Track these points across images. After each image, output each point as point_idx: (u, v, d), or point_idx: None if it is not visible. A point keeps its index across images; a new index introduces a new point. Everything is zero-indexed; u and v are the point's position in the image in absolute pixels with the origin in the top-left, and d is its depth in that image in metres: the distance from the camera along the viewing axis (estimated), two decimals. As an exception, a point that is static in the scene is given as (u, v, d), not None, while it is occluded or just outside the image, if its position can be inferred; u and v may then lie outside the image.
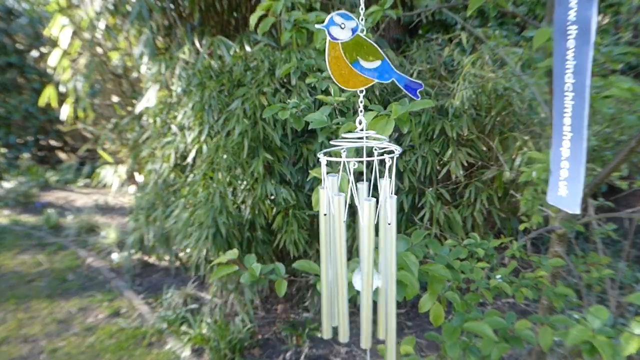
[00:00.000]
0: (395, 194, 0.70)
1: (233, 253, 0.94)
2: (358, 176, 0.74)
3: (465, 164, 2.37)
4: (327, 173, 0.72)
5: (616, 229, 1.78)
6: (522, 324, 0.99)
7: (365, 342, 0.73)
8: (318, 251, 2.49)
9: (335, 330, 0.78)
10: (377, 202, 0.70)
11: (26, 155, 5.93)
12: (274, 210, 2.34)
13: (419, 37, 3.37)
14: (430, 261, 0.99)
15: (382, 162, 0.70)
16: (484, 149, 2.46)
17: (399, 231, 2.51)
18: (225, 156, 2.27)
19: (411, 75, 2.52)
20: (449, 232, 2.41)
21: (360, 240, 0.70)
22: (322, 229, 0.73)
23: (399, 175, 2.41)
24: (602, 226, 1.80)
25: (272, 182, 2.26)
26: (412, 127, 0.87)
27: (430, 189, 2.42)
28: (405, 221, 2.48)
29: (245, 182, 2.31)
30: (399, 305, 2.85)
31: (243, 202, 2.34)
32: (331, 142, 0.74)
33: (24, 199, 5.12)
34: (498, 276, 1.20)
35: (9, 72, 5.55)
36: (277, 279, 0.95)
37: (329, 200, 0.71)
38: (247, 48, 2.65)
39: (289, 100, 1.14)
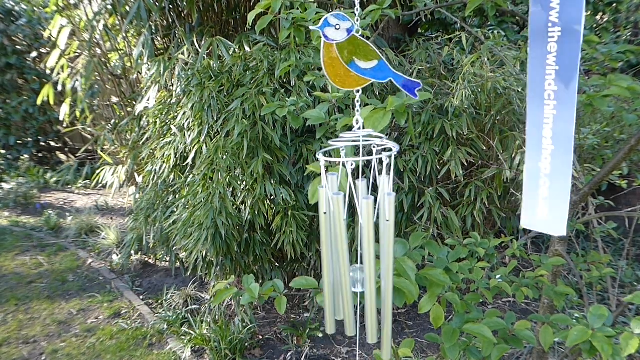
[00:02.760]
0: (395, 192, 0.70)
1: (231, 279, 0.94)
2: (357, 174, 0.74)
3: (465, 163, 2.37)
4: (327, 172, 0.72)
5: (616, 228, 1.77)
6: (521, 324, 0.99)
7: (372, 337, 0.76)
8: (317, 252, 2.49)
9: (338, 325, 0.79)
10: (376, 200, 0.70)
11: (26, 156, 5.93)
12: (273, 210, 2.33)
13: (419, 36, 3.37)
14: (429, 264, 0.98)
15: (380, 160, 0.70)
16: (484, 148, 2.46)
17: (399, 231, 2.50)
18: (224, 157, 2.26)
19: (411, 75, 2.52)
20: (446, 231, 2.41)
21: (361, 238, 0.70)
22: (322, 228, 0.74)
23: (399, 175, 2.41)
24: (602, 225, 1.79)
25: (271, 182, 2.26)
26: (410, 122, 0.86)
27: (430, 188, 2.41)
28: (406, 220, 2.47)
29: (244, 183, 2.31)
30: (398, 306, 2.85)
31: (243, 202, 2.33)
32: (329, 142, 0.74)
33: (24, 200, 5.11)
34: (498, 276, 1.20)
35: (8, 73, 5.54)
36: (277, 296, 0.94)
37: (329, 198, 0.71)
38: (247, 48, 2.64)
39: (287, 100, 1.13)
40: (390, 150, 0.70)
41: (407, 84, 0.72)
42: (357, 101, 0.73)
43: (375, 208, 0.70)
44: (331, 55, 0.68)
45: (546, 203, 0.59)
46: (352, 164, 0.71)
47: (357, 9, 0.72)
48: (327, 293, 0.78)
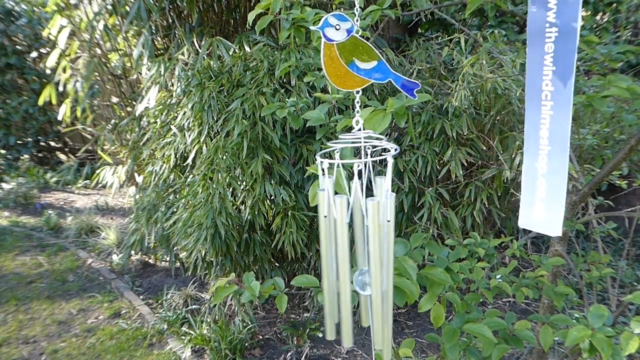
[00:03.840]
0: (395, 193, 0.70)
1: (231, 276, 0.94)
2: (351, 175, 0.74)
3: (465, 164, 2.37)
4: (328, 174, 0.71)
5: (616, 228, 1.77)
6: (522, 324, 0.99)
7: (379, 342, 0.73)
8: (317, 252, 2.49)
9: (337, 332, 0.77)
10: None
11: (26, 156, 5.93)
12: (273, 210, 2.34)
13: (419, 36, 3.37)
14: (429, 264, 0.98)
15: (380, 161, 0.69)
16: (484, 148, 2.46)
17: (399, 231, 2.50)
18: (224, 157, 2.26)
19: (411, 75, 2.52)
20: (446, 231, 2.41)
21: (367, 240, 0.69)
22: (322, 232, 0.72)
23: (399, 175, 2.41)
24: (602, 225, 1.79)
25: (271, 182, 2.26)
26: (410, 123, 0.86)
27: (430, 188, 2.41)
28: (406, 221, 2.48)
29: (244, 183, 2.31)
30: (399, 305, 2.85)
31: (243, 202, 2.34)
32: (328, 144, 0.73)
33: (24, 200, 5.11)
34: (498, 276, 1.20)
35: (8, 73, 5.54)
36: (278, 295, 0.94)
37: (330, 201, 0.70)
38: (247, 48, 2.64)
39: (287, 100, 1.13)
40: (389, 150, 0.70)
41: (406, 84, 0.72)
42: (357, 102, 0.73)
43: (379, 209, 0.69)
44: (331, 55, 0.68)
45: (543, 203, 0.60)
46: (358, 166, 0.71)
47: (357, 9, 0.72)
48: (328, 299, 0.76)
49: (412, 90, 0.72)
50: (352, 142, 0.73)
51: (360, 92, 0.72)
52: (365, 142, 0.72)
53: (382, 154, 0.70)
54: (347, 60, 0.68)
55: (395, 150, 0.70)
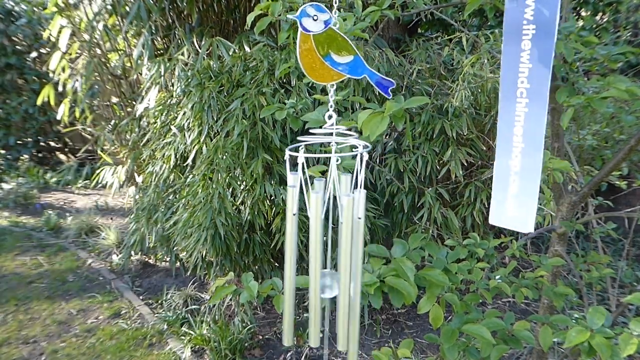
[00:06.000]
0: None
1: (230, 275, 0.94)
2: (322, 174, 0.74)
3: (465, 164, 2.37)
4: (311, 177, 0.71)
5: (616, 228, 1.77)
6: (521, 324, 0.99)
7: (343, 344, 0.75)
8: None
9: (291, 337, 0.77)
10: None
11: (26, 156, 5.92)
12: (273, 211, 2.33)
13: (419, 36, 3.37)
14: (428, 264, 0.98)
15: (353, 158, 0.69)
16: (484, 148, 2.46)
17: (399, 231, 2.50)
18: (224, 157, 2.26)
19: (411, 75, 2.52)
20: (446, 232, 2.41)
21: (340, 238, 0.68)
22: (288, 230, 0.72)
23: (399, 175, 2.41)
24: (601, 225, 1.79)
25: (271, 182, 2.26)
26: (408, 126, 0.87)
27: (430, 188, 2.41)
28: (406, 221, 2.48)
29: (244, 183, 2.31)
30: (397, 306, 2.85)
31: (242, 203, 2.34)
32: (298, 138, 0.73)
33: (24, 200, 5.11)
34: (497, 276, 1.20)
35: (8, 73, 5.54)
36: (276, 295, 0.94)
37: (295, 198, 0.70)
38: (246, 48, 2.64)
39: (286, 101, 1.13)
40: (363, 147, 0.70)
41: (381, 82, 0.71)
42: (331, 97, 0.72)
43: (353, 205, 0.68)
44: (307, 46, 0.67)
45: (515, 200, 0.60)
46: (337, 160, 0.70)
47: (335, 2, 0.70)
48: (288, 300, 0.75)
49: (387, 89, 0.72)
50: (323, 138, 0.72)
51: (335, 86, 0.71)
52: (336, 138, 0.72)
53: (352, 150, 0.70)
54: (323, 52, 0.67)
55: (366, 147, 0.69)
